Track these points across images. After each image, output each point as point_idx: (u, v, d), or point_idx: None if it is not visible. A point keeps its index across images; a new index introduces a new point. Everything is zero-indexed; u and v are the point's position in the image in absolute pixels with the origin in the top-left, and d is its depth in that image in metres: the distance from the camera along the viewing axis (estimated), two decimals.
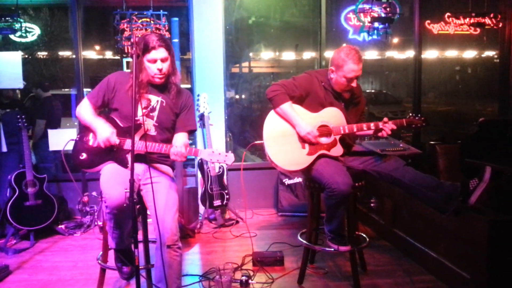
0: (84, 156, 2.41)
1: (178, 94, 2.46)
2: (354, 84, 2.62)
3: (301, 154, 2.61)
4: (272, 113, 2.67)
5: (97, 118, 2.41)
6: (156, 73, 2.33)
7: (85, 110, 2.44)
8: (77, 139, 2.46)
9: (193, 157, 4.22)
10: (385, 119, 2.63)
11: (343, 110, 2.70)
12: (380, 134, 2.61)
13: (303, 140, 2.61)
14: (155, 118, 2.40)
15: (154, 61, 2.30)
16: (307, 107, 2.67)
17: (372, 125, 2.63)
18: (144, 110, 2.37)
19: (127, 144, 2.35)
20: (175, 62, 2.43)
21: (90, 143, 2.41)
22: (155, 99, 2.41)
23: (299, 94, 2.64)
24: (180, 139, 2.45)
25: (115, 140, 2.33)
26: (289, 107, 2.59)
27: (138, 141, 2.32)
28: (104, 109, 2.55)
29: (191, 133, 2.57)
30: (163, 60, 2.32)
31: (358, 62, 2.55)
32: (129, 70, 2.52)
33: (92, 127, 2.39)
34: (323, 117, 2.65)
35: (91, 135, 2.42)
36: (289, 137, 2.62)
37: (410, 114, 2.68)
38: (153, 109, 2.40)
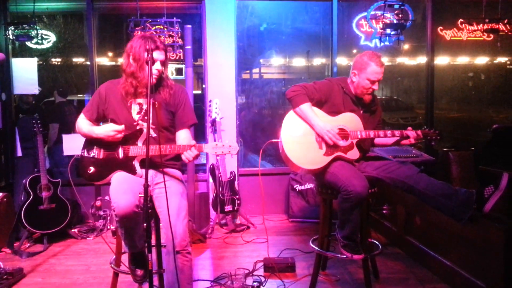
0: (92, 170, 2.41)
1: (167, 92, 2.46)
2: (375, 87, 2.69)
3: (318, 154, 2.62)
4: (291, 113, 2.70)
5: (94, 126, 2.43)
6: (154, 74, 2.34)
7: (83, 124, 2.46)
8: (83, 153, 2.46)
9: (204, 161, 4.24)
10: (409, 128, 2.72)
11: (361, 116, 2.74)
12: (406, 141, 2.70)
13: (320, 140, 2.63)
14: (151, 120, 2.41)
15: (154, 61, 2.31)
16: (325, 111, 2.71)
17: (397, 132, 2.69)
18: (138, 115, 2.40)
19: (132, 150, 2.36)
20: (167, 66, 2.47)
21: (95, 156, 2.40)
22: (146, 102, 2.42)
23: (318, 97, 2.68)
24: (183, 136, 2.47)
25: (117, 126, 2.33)
26: (308, 108, 2.63)
27: (142, 146, 2.34)
28: (102, 121, 2.56)
29: (192, 127, 2.56)
30: (161, 62, 2.35)
31: (381, 66, 2.65)
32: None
33: (93, 135, 2.40)
34: (340, 121, 2.68)
35: (95, 147, 2.42)
36: (307, 137, 2.64)
37: (425, 127, 2.77)
38: (147, 113, 2.41)
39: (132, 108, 2.41)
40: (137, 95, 2.39)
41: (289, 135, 2.64)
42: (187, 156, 2.25)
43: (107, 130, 2.35)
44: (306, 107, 2.62)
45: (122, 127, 2.35)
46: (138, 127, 2.40)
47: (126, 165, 2.38)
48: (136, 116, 2.41)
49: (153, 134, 2.41)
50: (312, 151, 2.63)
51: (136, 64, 2.35)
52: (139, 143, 2.37)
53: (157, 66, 2.34)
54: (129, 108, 2.41)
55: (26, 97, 4.93)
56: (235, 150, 2.24)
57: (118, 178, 2.32)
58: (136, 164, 2.37)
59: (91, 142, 2.44)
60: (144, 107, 2.42)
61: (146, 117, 2.38)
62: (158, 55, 2.32)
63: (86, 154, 2.44)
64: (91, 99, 2.51)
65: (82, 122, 2.47)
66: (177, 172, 2.53)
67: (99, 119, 2.50)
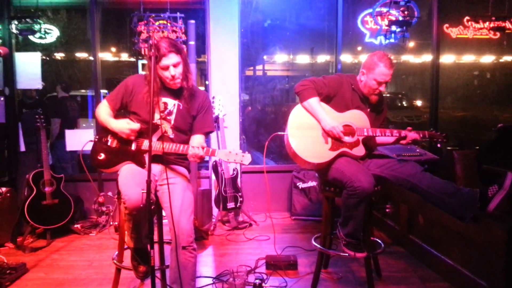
0: (102, 156, 2.44)
1: (192, 97, 2.47)
2: (382, 88, 2.69)
3: (323, 148, 2.62)
4: (298, 106, 2.71)
5: (112, 118, 2.45)
6: (170, 79, 2.35)
7: (103, 111, 2.48)
8: (96, 139, 2.50)
9: (207, 158, 4.22)
10: (409, 128, 2.71)
11: (368, 114, 2.73)
12: (402, 142, 2.69)
13: (326, 135, 2.64)
14: (172, 121, 2.43)
15: (167, 67, 2.32)
16: (333, 107, 2.71)
17: (395, 132, 2.68)
18: (161, 114, 2.40)
19: (145, 144, 2.37)
20: (188, 65, 2.44)
21: (109, 143, 2.44)
22: (172, 103, 2.44)
23: (327, 92, 2.68)
24: (197, 140, 2.48)
25: (132, 126, 2.35)
26: (316, 102, 2.63)
27: (155, 141, 2.34)
28: (122, 111, 2.58)
29: (208, 134, 2.58)
30: (175, 66, 2.33)
31: (390, 68, 2.63)
32: (144, 73, 2.53)
33: (108, 126, 2.43)
34: (347, 117, 2.68)
35: (109, 135, 2.45)
36: (313, 130, 2.65)
37: (432, 129, 2.78)
38: (170, 113, 2.43)
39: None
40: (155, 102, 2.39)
41: (295, 128, 2.65)
42: (192, 153, 2.26)
43: (123, 127, 2.36)
44: (314, 102, 2.63)
45: (138, 126, 2.36)
46: (156, 124, 2.40)
47: (137, 158, 2.40)
48: (158, 115, 2.40)
49: (170, 134, 2.43)
50: (317, 145, 2.63)
51: (149, 74, 2.35)
52: (154, 138, 2.37)
53: (171, 71, 2.33)
54: (154, 105, 2.40)
55: (30, 91, 4.94)
56: (247, 160, 2.26)
57: (128, 171, 2.33)
58: (147, 158, 2.37)
59: (107, 129, 2.45)
60: (169, 107, 2.44)
61: (168, 117, 2.42)
62: (166, 60, 2.30)
63: (99, 141, 2.45)
64: (116, 89, 2.50)
65: (103, 109, 2.48)
66: (184, 170, 2.54)
67: (121, 109, 2.52)
